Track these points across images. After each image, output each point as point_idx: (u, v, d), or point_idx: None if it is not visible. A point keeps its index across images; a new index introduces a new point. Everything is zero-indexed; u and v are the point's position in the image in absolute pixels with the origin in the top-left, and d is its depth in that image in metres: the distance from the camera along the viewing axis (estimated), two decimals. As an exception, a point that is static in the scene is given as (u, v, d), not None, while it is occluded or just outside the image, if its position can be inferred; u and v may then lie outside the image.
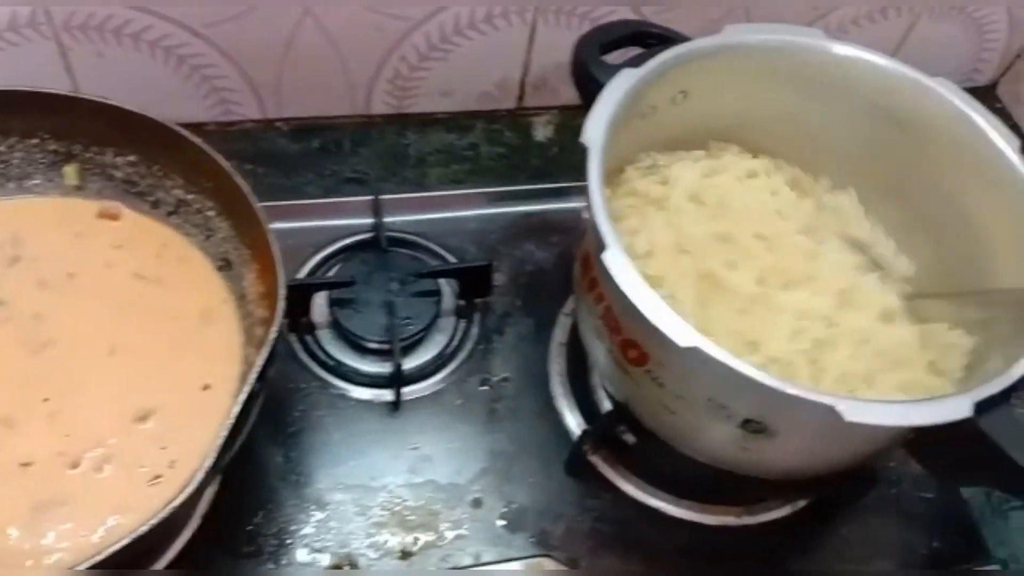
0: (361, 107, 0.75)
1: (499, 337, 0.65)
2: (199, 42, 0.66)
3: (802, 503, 0.60)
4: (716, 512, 0.60)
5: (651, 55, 0.53)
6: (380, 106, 0.75)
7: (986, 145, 0.53)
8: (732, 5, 0.73)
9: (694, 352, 0.42)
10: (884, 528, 0.61)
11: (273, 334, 0.45)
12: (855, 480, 0.58)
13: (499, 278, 0.68)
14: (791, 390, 0.41)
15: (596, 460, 0.60)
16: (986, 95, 0.89)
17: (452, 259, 0.67)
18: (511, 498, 0.58)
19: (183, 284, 0.55)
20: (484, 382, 0.63)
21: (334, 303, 0.62)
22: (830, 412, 0.40)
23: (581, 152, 0.48)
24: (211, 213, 0.55)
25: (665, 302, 0.42)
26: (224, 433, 0.43)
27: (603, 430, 0.59)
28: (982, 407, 0.42)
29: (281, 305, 0.46)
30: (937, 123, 0.54)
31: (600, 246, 0.45)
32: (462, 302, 0.65)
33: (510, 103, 0.78)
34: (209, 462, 0.43)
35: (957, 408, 0.41)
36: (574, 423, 0.62)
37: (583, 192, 0.46)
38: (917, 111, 0.55)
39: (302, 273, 0.65)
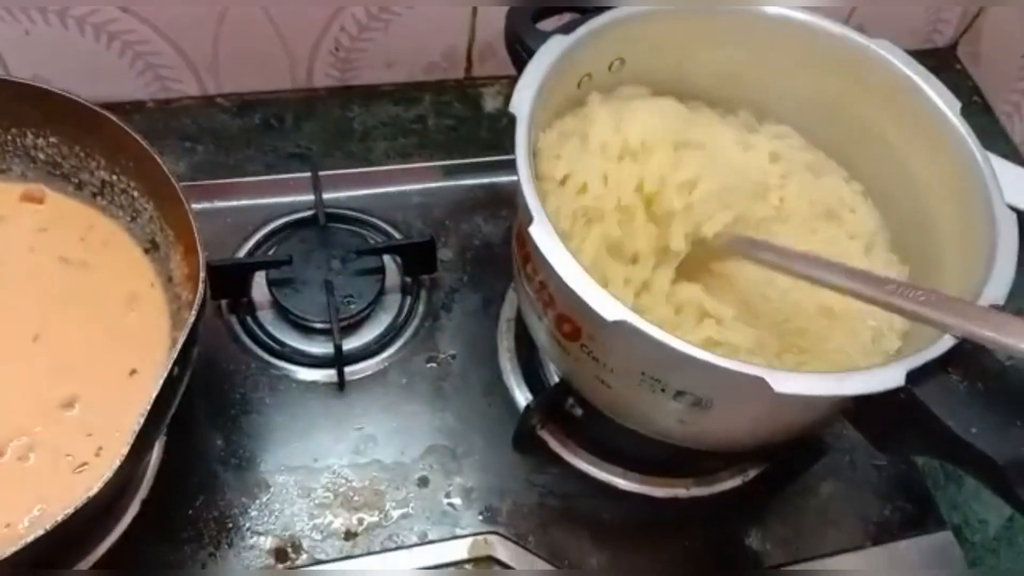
0: (303, 80, 0.73)
1: (446, 314, 0.64)
2: (128, 18, 0.64)
3: (753, 473, 0.60)
4: (666, 484, 0.59)
5: (585, 20, 0.52)
6: (323, 79, 0.74)
7: (928, 107, 0.51)
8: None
9: (622, 326, 0.41)
10: (836, 496, 0.60)
11: (192, 316, 0.44)
12: (805, 449, 0.58)
13: (446, 253, 0.66)
14: (720, 362, 0.40)
15: (545, 435, 0.60)
16: (946, 56, 0.87)
17: (397, 235, 0.66)
18: (458, 476, 0.58)
19: (110, 267, 0.53)
20: (431, 360, 0.62)
21: (273, 283, 0.60)
22: (760, 383, 0.40)
23: (509, 121, 0.46)
24: (136, 194, 0.53)
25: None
26: (142, 419, 0.42)
27: (550, 403, 0.58)
28: (916, 376, 0.41)
29: (202, 288, 0.45)
30: (880, 86, 0.53)
31: (528, 219, 0.43)
32: (408, 279, 0.64)
33: (458, 73, 0.76)
34: (126, 449, 0.41)
35: (889, 378, 0.41)
36: (523, 398, 0.61)
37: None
38: (859, 74, 0.53)
39: (242, 252, 0.64)
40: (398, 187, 0.69)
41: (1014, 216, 0.47)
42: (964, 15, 0.84)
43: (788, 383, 0.39)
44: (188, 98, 0.72)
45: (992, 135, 0.82)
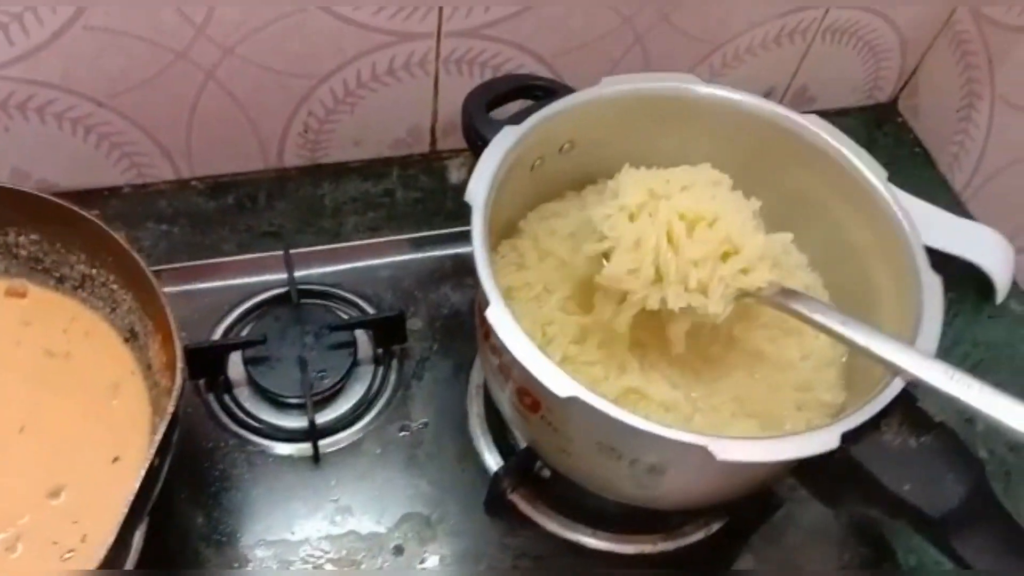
0: (274, 161, 0.76)
1: (417, 382, 0.67)
2: (104, 111, 0.67)
3: (716, 526, 0.62)
4: (634, 541, 0.61)
5: (536, 108, 0.55)
6: (293, 159, 0.77)
7: (857, 178, 0.55)
8: (629, 46, 0.75)
9: (574, 401, 0.44)
10: (797, 545, 0.63)
11: (172, 407, 0.46)
12: (764, 502, 0.60)
13: (416, 323, 0.69)
14: (664, 433, 0.43)
15: (515, 498, 0.62)
16: (888, 110, 0.92)
17: (368, 308, 0.69)
18: (432, 542, 0.60)
19: (92, 357, 0.56)
20: (403, 428, 0.64)
21: (248, 361, 0.63)
22: (704, 451, 0.43)
23: (466, 210, 0.50)
24: (115, 286, 0.56)
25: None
26: (125, 508, 0.44)
27: (519, 468, 0.60)
28: (850, 437, 0.44)
29: (180, 378, 0.48)
30: (813, 159, 0.57)
31: (485, 302, 0.46)
32: (379, 350, 0.67)
33: (423, 148, 0.80)
34: (112, 537, 0.43)
35: (825, 441, 0.44)
36: (494, 463, 0.63)
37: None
38: (794, 148, 0.57)
39: (218, 332, 0.66)
40: (368, 261, 0.72)
41: (939, 280, 0.51)
42: (902, 72, 0.88)
43: (729, 451, 0.42)
44: (164, 182, 0.75)
45: (934, 184, 0.86)
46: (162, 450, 0.46)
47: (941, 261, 0.75)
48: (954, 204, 0.85)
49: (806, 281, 0.61)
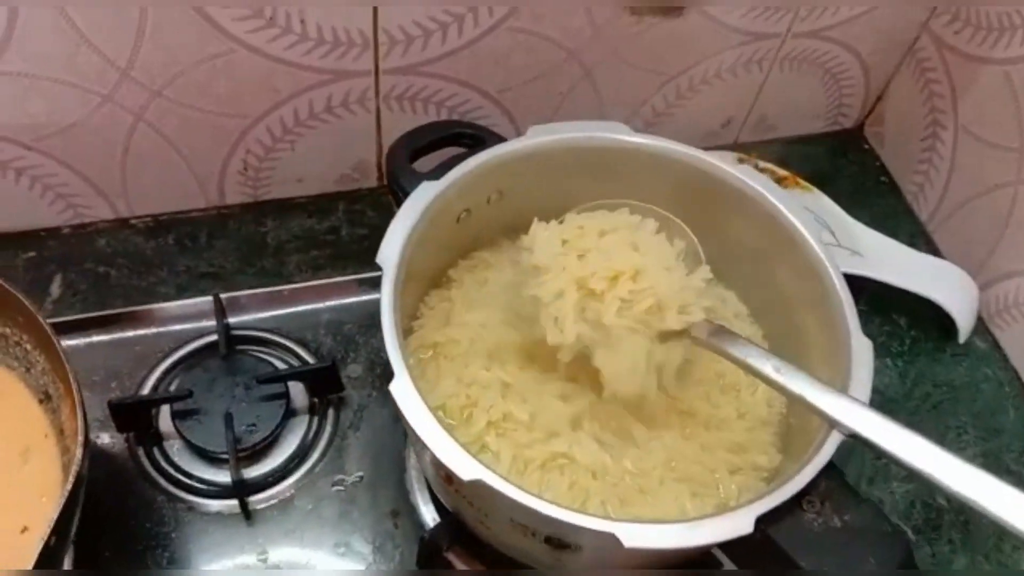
0: (215, 199, 0.75)
1: (354, 432, 0.65)
2: (33, 154, 0.66)
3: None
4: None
5: (460, 160, 0.54)
6: (235, 196, 0.75)
7: (795, 236, 0.53)
8: (577, 80, 0.73)
9: (478, 483, 0.42)
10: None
11: (69, 486, 0.45)
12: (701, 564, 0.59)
13: (355, 369, 0.68)
14: (570, 519, 0.41)
15: (452, 556, 0.60)
16: (854, 137, 0.90)
17: (305, 355, 0.67)
18: (363, 603, 0.58)
19: (5, 419, 0.54)
20: (337, 483, 0.63)
21: (176, 415, 0.61)
22: (612, 538, 0.41)
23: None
24: (28, 346, 0.54)
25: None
26: (20, 592, 0.43)
27: (452, 526, 0.59)
28: (768, 518, 0.43)
29: (79, 452, 0.46)
30: (749, 210, 0.55)
31: (389, 374, 0.45)
32: (315, 399, 0.65)
33: (371, 182, 0.78)
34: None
35: (738, 526, 0.42)
36: (430, 518, 0.62)
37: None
38: (729, 198, 0.55)
39: (150, 382, 0.65)
40: (308, 305, 0.70)
41: (870, 345, 0.49)
42: (866, 98, 0.86)
43: (637, 538, 0.41)
44: (103, 221, 0.74)
45: (899, 215, 0.84)
46: (59, 530, 0.44)
47: (903, 297, 0.74)
48: (919, 235, 0.83)
49: (747, 332, 0.59)
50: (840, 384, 0.48)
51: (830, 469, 0.45)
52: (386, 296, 0.47)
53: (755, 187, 0.54)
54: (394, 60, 0.67)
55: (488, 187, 0.55)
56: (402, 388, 0.44)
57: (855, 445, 0.44)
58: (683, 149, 0.55)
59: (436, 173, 0.52)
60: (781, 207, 0.53)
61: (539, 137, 0.55)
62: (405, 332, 0.56)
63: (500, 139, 0.56)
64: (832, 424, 0.44)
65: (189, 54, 0.62)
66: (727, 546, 0.46)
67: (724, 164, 0.54)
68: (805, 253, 0.52)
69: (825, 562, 0.43)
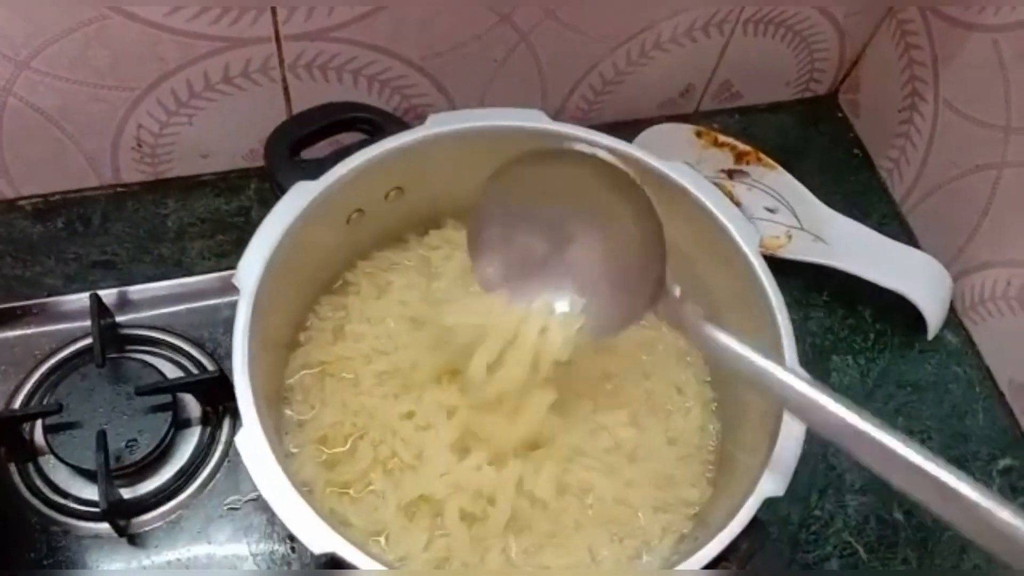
0: (110, 177, 0.67)
1: (254, 443, 0.59)
2: None
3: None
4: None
5: (345, 155, 0.46)
6: (133, 174, 0.68)
7: (726, 240, 0.46)
8: (513, 45, 0.65)
9: (331, 555, 0.36)
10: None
11: None
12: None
13: (258, 372, 0.61)
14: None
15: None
16: (828, 105, 0.82)
17: (200, 357, 0.60)
18: (254, 636, 0.53)
19: None
20: (230, 503, 0.57)
21: (48, 429, 0.55)
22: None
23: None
24: None
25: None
26: None
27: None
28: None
29: None
30: (678, 209, 0.48)
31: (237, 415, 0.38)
32: (208, 409, 0.59)
33: (286, 157, 0.70)
34: None
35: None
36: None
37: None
38: (658, 195, 0.48)
39: (24, 391, 0.58)
40: (208, 301, 0.63)
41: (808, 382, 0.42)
42: (841, 63, 0.78)
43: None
44: (-13, 202, 0.66)
45: (871, 192, 0.77)
46: None
47: (869, 287, 0.67)
48: (892, 217, 0.76)
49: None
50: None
51: (754, 528, 0.39)
52: (240, 327, 0.40)
53: (690, 188, 0.47)
54: (297, 25, 0.59)
55: (383, 183, 0.48)
56: (250, 441, 0.37)
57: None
58: (607, 140, 0.48)
59: (316, 170, 0.45)
60: (716, 212, 0.46)
61: (441, 127, 0.47)
62: (290, 347, 0.50)
63: (401, 126, 0.48)
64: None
65: (56, 22, 0.54)
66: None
67: (657, 160, 0.47)
68: (740, 262, 0.46)
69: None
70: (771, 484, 0.39)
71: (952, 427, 0.66)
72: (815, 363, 0.67)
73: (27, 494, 0.56)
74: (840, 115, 0.81)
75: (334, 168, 0.45)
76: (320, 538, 0.36)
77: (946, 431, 0.66)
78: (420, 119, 0.49)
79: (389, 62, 0.64)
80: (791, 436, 0.40)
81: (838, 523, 0.61)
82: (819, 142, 0.80)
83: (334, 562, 0.45)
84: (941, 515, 0.34)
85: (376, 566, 0.35)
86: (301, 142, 0.48)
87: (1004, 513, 0.32)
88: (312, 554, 0.36)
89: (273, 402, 0.47)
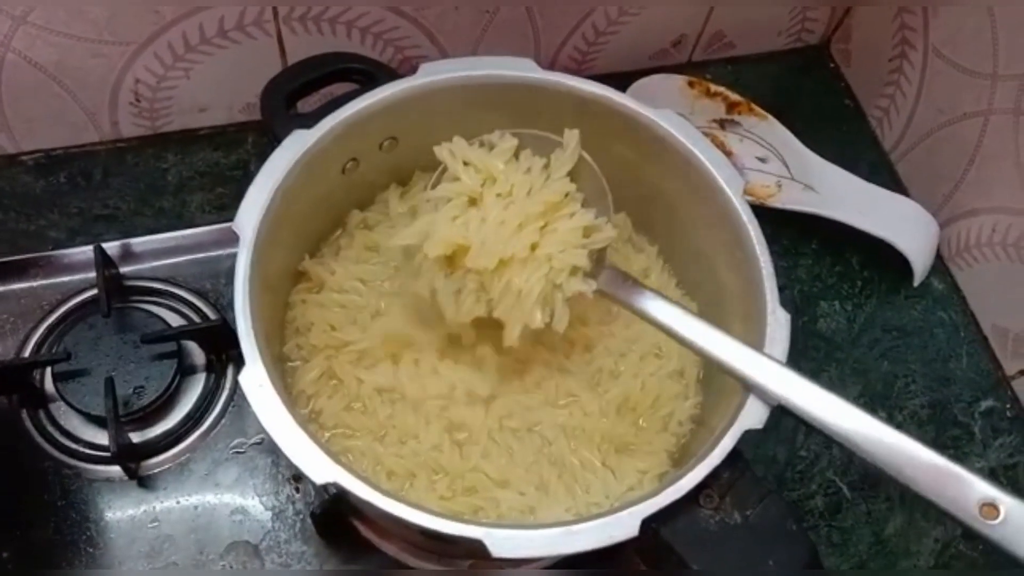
0: (110, 132, 0.68)
1: (257, 390, 0.61)
2: None
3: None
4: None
5: (340, 104, 0.47)
6: (132, 128, 0.69)
7: (713, 187, 0.47)
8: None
9: (335, 485, 0.38)
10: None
11: None
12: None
13: (260, 321, 0.63)
14: (431, 525, 0.37)
15: (357, 521, 0.57)
16: (819, 54, 0.82)
17: (203, 307, 0.62)
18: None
19: None
20: (235, 446, 0.59)
21: (58, 377, 0.57)
22: (480, 543, 0.37)
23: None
24: None
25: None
26: None
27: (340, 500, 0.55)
28: (658, 517, 0.39)
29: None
30: (666, 157, 0.49)
31: (241, 361, 0.40)
32: (212, 357, 0.61)
33: (283, 111, 0.71)
34: None
35: (622, 530, 0.38)
36: (335, 481, 0.58)
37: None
38: (645, 143, 0.49)
39: (32, 340, 0.60)
40: (209, 252, 0.65)
41: (788, 317, 0.44)
42: (833, 13, 0.79)
43: (504, 548, 0.37)
44: (-9, 156, 0.68)
45: (861, 142, 0.78)
46: None
47: (858, 234, 0.68)
48: (882, 165, 0.77)
49: (666, 287, 0.54)
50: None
51: (734, 459, 0.41)
52: (241, 272, 0.41)
53: (675, 134, 0.48)
54: (290, -23, 0.60)
55: (377, 133, 0.49)
56: (252, 380, 0.39)
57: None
58: (595, 88, 0.49)
59: (311, 121, 0.46)
60: (703, 157, 0.47)
61: (432, 76, 0.48)
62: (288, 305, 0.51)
63: (392, 75, 0.49)
64: (747, 386, 0.40)
65: (52, -24, 0.55)
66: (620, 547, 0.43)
67: (643, 107, 0.48)
68: (725, 209, 0.47)
69: (720, 564, 0.39)
70: (751, 418, 0.41)
71: (936, 371, 0.68)
72: (804, 309, 0.69)
73: (39, 439, 0.58)
74: (832, 65, 0.82)
75: (328, 117, 0.46)
76: (322, 468, 0.38)
77: (930, 374, 0.68)
78: (414, 71, 0.50)
79: (382, 14, 0.65)
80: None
81: (823, 462, 0.63)
82: (811, 92, 0.81)
83: (337, 495, 0.47)
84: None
85: (377, 496, 0.37)
86: (296, 93, 0.49)
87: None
88: (315, 485, 0.38)
89: (273, 342, 0.48)
